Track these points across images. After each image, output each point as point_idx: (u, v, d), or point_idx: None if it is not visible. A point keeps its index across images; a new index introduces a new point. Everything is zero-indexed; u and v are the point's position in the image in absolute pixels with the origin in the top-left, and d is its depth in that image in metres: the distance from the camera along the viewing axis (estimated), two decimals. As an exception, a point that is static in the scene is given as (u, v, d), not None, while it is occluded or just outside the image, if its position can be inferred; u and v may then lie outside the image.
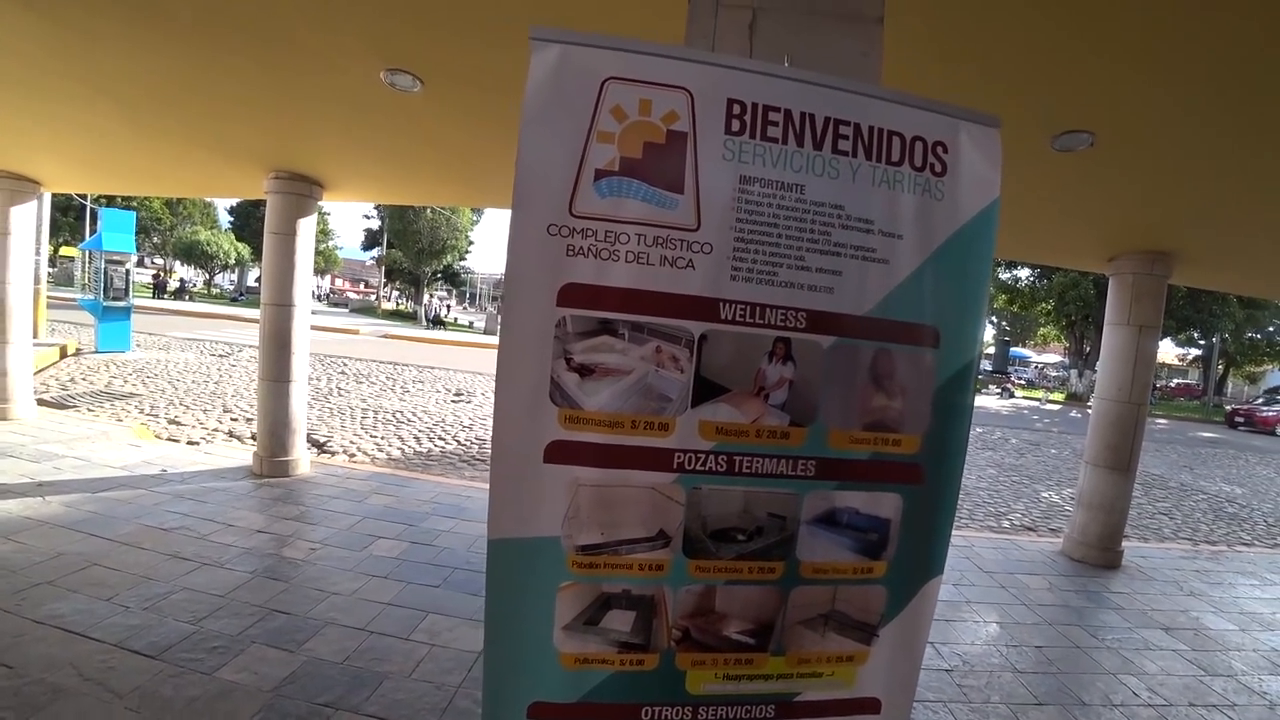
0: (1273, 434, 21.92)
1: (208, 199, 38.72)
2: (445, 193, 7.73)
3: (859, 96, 1.14)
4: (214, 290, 44.84)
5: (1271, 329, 30.01)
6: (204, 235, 38.40)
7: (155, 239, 39.21)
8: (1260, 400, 26.61)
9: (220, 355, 14.87)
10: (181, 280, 40.84)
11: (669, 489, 1.07)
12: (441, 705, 2.66)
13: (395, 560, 4.12)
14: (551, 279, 1.02)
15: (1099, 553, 5.46)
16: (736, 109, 1.07)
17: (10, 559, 3.69)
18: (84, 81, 3.95)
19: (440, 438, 8.43)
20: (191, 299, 35.95)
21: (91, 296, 14.15)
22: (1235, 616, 4.66)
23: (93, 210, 24.81)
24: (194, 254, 38.55)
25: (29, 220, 7.52)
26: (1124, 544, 5.64)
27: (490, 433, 6.64)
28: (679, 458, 1.07)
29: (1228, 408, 25.90)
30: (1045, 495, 8.71)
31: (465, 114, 3.89)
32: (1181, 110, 2.76)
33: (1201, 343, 32.31)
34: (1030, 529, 7.01)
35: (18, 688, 2.61)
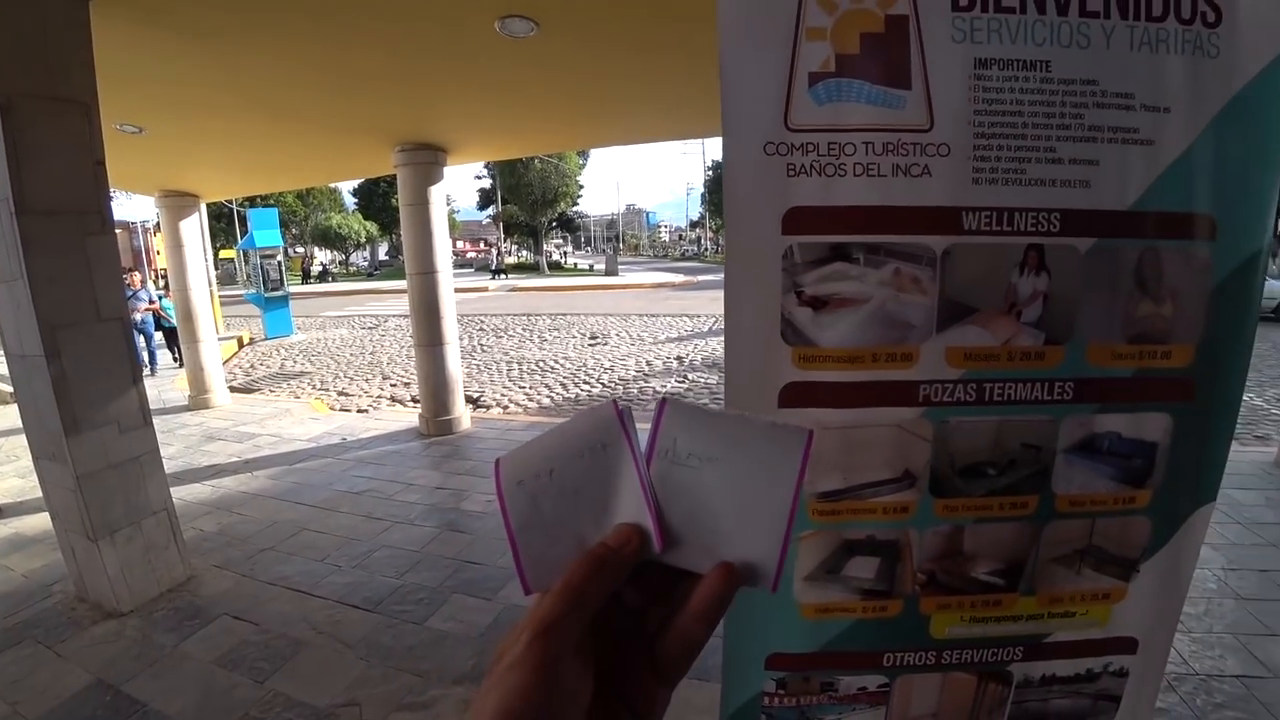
0: None
1: (333, 185, 41.39)
2: (568, 138, 7.79)
3: (1108, -61, 0.94)
4: (351, 269, 48.46)
5: None
6: (335, 219, 41.35)
7: (294, 230, 42.64)
8: None
9: (369, 327, 16.11)
10: (323, 264, 44.37)
11: (915, 425, 0.97)
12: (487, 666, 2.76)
13: (568, 505, 4.36)
14: (774, 205, 0.92)
15: (1326, 462, 4.79)
16: (964, -22, 0.90)
17: (238, 529, 4.22)
18: (231, 91, 4.24)
19: (585, 382, 8.75)
20: (334, 279, 39.03)
21: (254, 290, 15.68)
22: None
23: (240, 213, 27.25)
24: (329, 238, 41.69)
25: (195, 231, 8.32)
26: (1359, 452, 4.90)
27: (632, 375, 6.77)
28: (924, 389, 0.95)
29: None
30: (1245, 397, 7.72)
31: (585, 50, 3.82)
32: None
33: None
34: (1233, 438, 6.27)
35: (266, 641, 2.97)
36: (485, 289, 27.04)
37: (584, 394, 8.09)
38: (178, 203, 7.98)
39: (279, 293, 15.50)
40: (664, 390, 7.94)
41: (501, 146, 7.49)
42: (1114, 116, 0.96)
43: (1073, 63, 0.94)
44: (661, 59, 4.01)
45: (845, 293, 0.93)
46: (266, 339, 14.93)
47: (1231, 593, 3.23)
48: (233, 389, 9.09)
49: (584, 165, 40.94)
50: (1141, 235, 1.00)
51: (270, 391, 9.35)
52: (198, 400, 8.16)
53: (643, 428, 0.37)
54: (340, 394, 8.82)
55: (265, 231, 16.06)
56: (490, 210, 46.54)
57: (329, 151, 6.58)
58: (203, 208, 8.81)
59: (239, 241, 20.67)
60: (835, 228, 0.92)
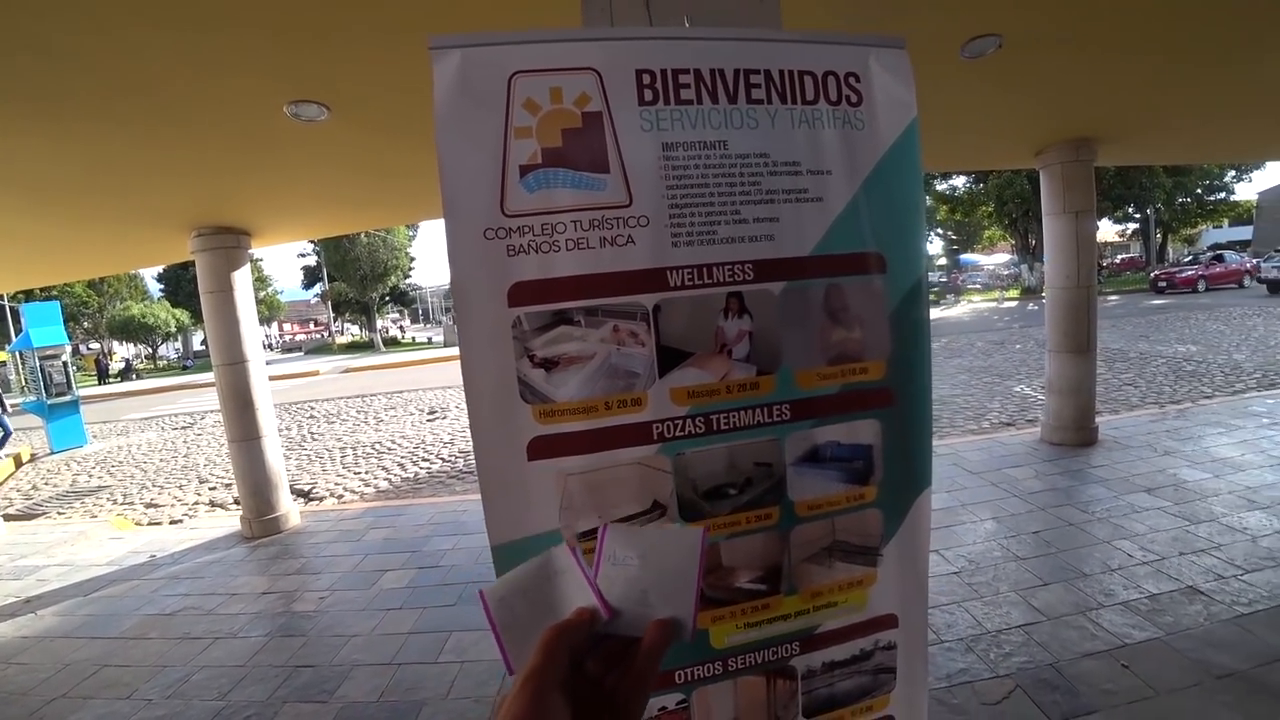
0: (1195, 291, 22.78)
1: (132, 271, 37.29)
2: (377, 216, 7.56)
3: (763, 43, 1.16)
4: (161, 363, 43.23)
5: (1200, 190, 31.08)
6: (136, 309, 36.85)
7: (86, 324, 37.79)
8: (1187, 259, 28.03)
9: (182, 427, 14.46)
10: (125, 360, 39.27)
11: (654, 460, 1.09)
12: (487, 718, 2.68)
13: (406, 589, 4.12)
14: (498, 282, 1.02)
15: (1075, 433, 5.69)
16: (646, 79, 1.07)
17: (16, 681, 3.56)
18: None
19: (424, 459, 8.37)
20: (139, 376, 34.60)
21: (33, 398, 13.48)
22: (1208, 465, 4.92)
23: (12, 309, 23.61)
24: (130, 330, 37.03)
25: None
26: (1097, 420, 5.86)
27: (472, 444, 6.62)
28: (657, 428, 1.09)
29: (1151, 274, 26.49)
30: (1017, 389, 9.00)
31: (380, 132, 3.81)
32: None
33: (1137, 216, 33.39)
34: (1008, 424, 7.26)
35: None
36: (316, 372, 25.36)
37: (423, 472, 7.71)
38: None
39: (66, 398, 13.50)
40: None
41: (310, 226, 7.17)
42: (786, 181, 1.17)
43: (746, 140, 1.14)
44: (426, 142, 4.05)
45: (572, 352, 1.05)
46: (52, 453, 12.93)
47: (1012, 556, 3.74)
48: (9, 517, 7.79)
49: (414, 237, 39.90)
50: (824, 274, 1.21)
51: (59, 514, 8.09)
52: (-40, 537, 6.90)
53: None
54: (148, 506, 7.83)
55: (45, 329, 13.98)
56: (317, 288, 43.86)
57: (114, 239, 5.97)
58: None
59: (12, 342, 17.81)
60: (555, 296, 1.04)
